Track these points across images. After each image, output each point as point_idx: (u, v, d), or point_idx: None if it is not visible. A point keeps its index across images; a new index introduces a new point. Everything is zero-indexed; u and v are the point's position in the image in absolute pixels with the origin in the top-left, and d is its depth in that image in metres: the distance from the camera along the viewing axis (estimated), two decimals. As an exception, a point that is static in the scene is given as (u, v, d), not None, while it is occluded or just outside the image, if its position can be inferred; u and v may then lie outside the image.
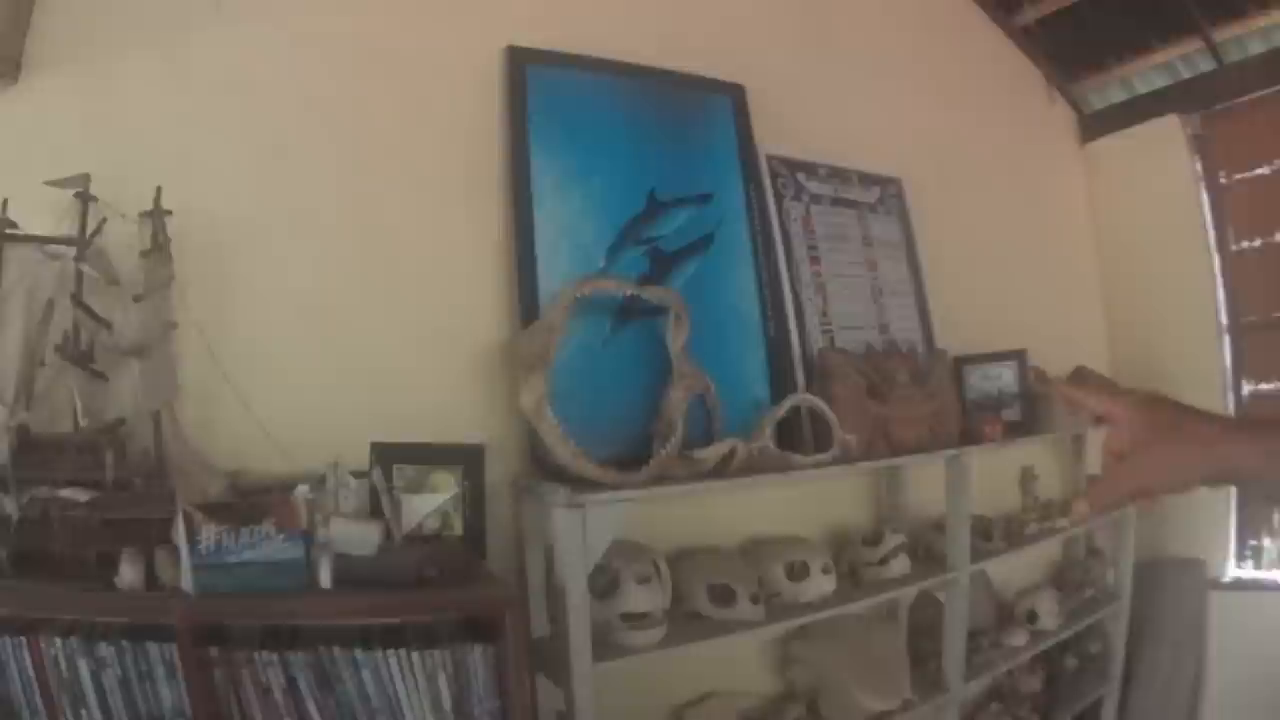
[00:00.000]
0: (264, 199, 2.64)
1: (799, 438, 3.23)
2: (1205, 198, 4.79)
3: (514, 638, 2.33)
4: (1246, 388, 4.76)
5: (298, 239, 2.68)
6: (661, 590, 2.82)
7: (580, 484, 2.60)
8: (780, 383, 3.32)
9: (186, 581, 2.10)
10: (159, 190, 2.42)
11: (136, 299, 2.40)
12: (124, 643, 2.11)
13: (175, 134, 2.54)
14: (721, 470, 2.87)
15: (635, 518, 2.86)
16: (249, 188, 2.62)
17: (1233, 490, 4.70)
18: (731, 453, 2.86)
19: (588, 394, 2.92)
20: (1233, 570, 4.82)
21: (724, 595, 2.93)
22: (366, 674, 2.26)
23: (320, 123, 2.75)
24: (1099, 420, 1.33)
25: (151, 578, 2.15)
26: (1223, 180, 4.77)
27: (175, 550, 2.13)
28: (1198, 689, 4.65)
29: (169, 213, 2.43)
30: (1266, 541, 4.74)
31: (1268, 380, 4.70)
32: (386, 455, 2.60)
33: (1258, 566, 4.78)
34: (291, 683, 2.22)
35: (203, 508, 2.19)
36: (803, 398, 3.19)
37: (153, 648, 2.12)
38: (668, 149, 3.29)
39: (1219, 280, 4.77)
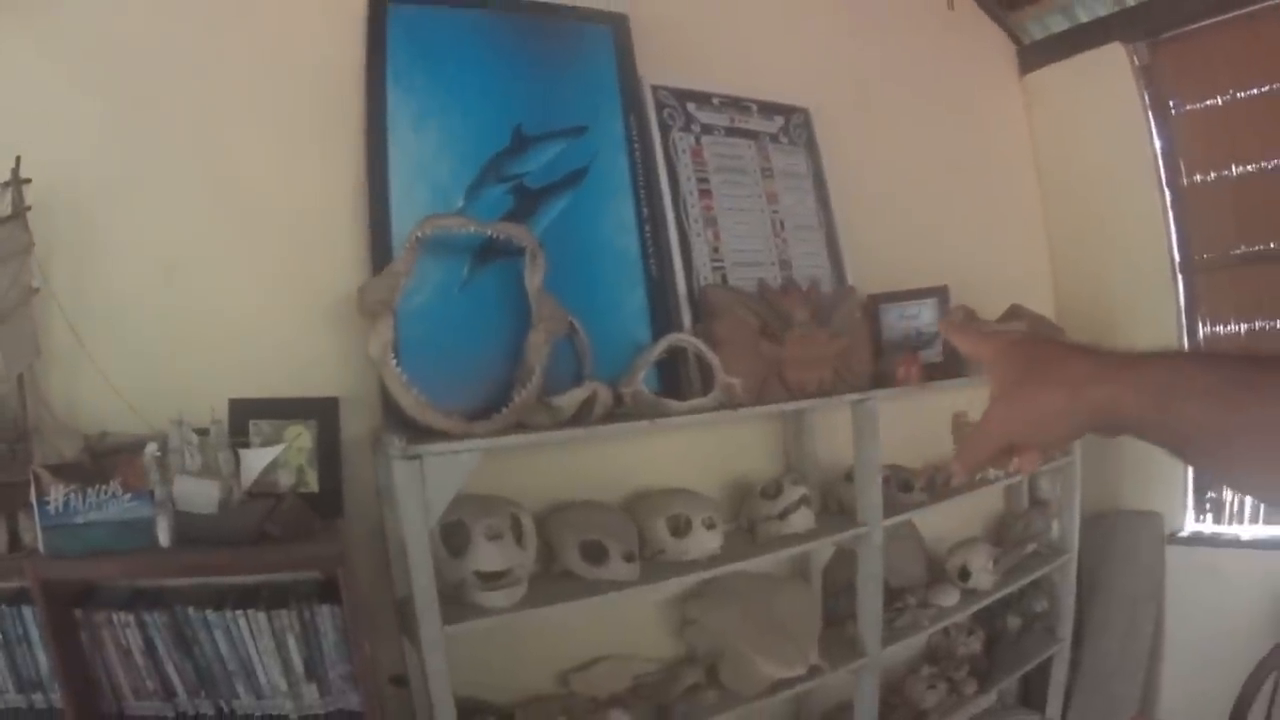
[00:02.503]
0: (123, 160, 2.54)
1: (685, 382, 3.05)
2: (1154, 130, 4.58)
3: (348, 597, 2.28)
4: (1203, 329, 4.56)
5: (157, 198, 2.58)
6: (520, 546, 2.64)
7: (430, 435, 2.46)
8: (662, 323, 3.11)
9: (39, 543, 2.13)
10: (18, 159, 2.33)
11: (-7, 265, 2.36)
12: (3, 606, 2.19)
13: (32, 99, 2.45)
14: (583, 417, 2.68)
15: (500, 471, 2.76)
16: (108, 150, 2.53)
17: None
18: (592, 398, 2.67)
19: (445, 341, 2.77)
20: (1191, 524, 4.63)
21: (596, 553, 2.76)
22: (219, 635, 2.31)
23: (179, 77, 2.62)
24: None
25: (16, 540, 2.20)
26: (1173, 111, 4.54)
27: (34, 513, 2.15)
28: (1155, 647, 4.49)
29: (27, 180, 2.34)
30: (1227, 494, 4.54)
31: (1226, 321, 4.51)
32: (242, 411, 2.53)
33: (1217, 521, 4.59)
34: (150, 644, 2.28)
35: (53, 469, 2.18)
36: (679, 338, 2.98)
37: (26, 610, 2.20)
38: (539, 82, 3.10)
39: (1170, 216, 4.56)
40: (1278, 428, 0.85)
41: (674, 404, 2.85)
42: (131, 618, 2.26)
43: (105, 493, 2.14)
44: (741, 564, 3.05)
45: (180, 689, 2.32)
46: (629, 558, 2.75)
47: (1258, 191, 4.31)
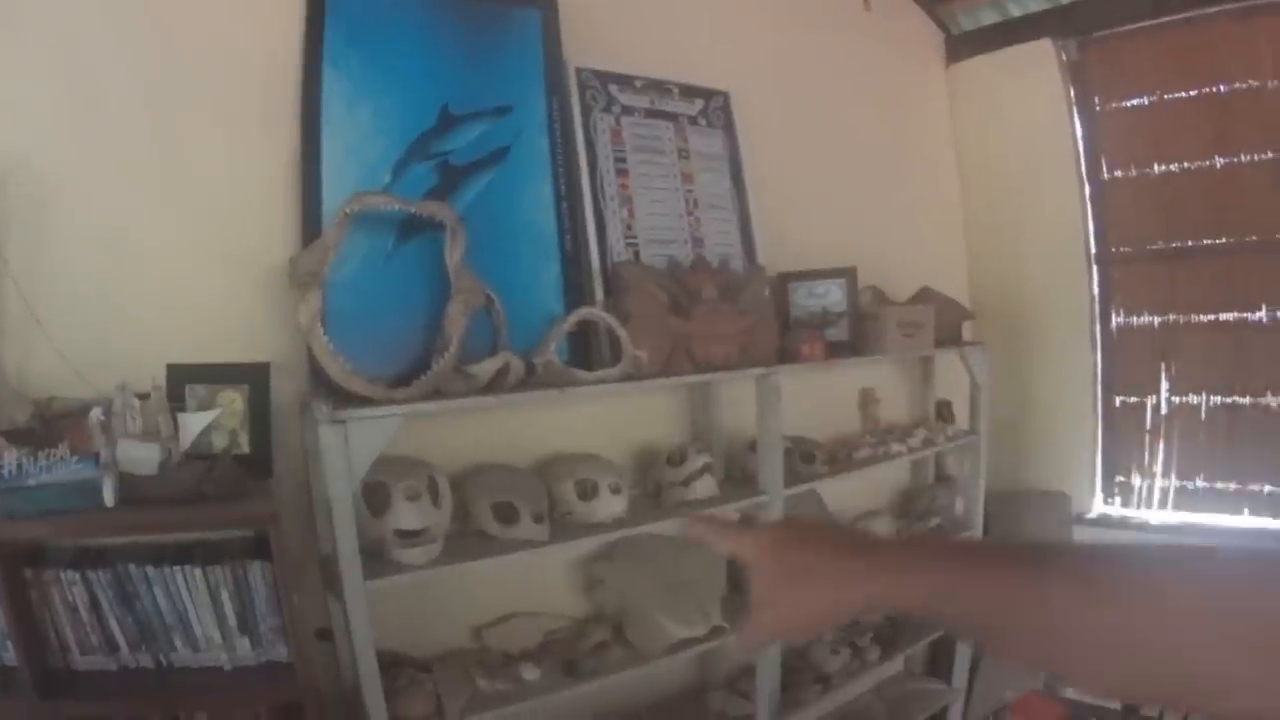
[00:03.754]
0: (73, 142, 2.64)
1: (596, 354, 3.23)
2: (1078, 125, 4.79)
3: (278, 553, 2.42)
4: (1115, 319, 4.78)
5: (104, 177, 2.69)
6: (436, 507, 2.81)
7: (354, 400, 2.62)
8: (576, 297, 3.28)
9: None
10: None
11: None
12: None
13: None
14: (497, 386, 2.86)
15: (421, 435, 2.95)
16: (59, 132, 2.63)
17: (1098, 424, 4.74)
18: (506, 367, 2.85)
19: (371, 311, 2.92)
20: (1100, 507, 4.85)
21: (507, 514, 2.93)
22: (158, 590, 2.44)
23: (127, 62, 2.73)
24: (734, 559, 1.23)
25: None
26: (1098, 108, 4.75)
27: (-10, 478, 2.23)
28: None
29: None
30: (1136, 479, 4.77)
31: (1138, 313, 4.73)
32: (179, 376, 2.66)
33: (1125, 504, 4.81)
34: (95, 600, 2.40)
35: (6, 434, 2.28)
36: (590, 312, 3.16)
37: None
38: (467, 64, 3.24)
39: (1089, 209, 4.77)
40: (1034, 633, 0.90)
41: (583, 374, 3.04)
42: (78, 575, 2.39)
43: (54, 456, 2.27)
44: (646, 527, 3.24)
45: (123, 643, 2.46)
46: (538, 519, 2.93)
47: (1177, 190, 4.52)
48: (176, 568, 2.47)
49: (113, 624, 2.45)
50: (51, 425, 2.38)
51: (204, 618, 2.51)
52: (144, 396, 2.53)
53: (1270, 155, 4.22)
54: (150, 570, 2.45)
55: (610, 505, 3.10)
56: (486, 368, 2.83)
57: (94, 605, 2.43)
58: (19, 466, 2.23)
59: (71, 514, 2.29)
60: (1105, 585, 0.86)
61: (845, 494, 4.25)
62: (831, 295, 3.93)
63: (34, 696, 2.29)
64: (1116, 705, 2.75)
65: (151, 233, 2.75)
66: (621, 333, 3.13)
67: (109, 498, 2.32)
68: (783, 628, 1.18)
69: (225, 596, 2.51)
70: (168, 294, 2.75)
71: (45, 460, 2.25)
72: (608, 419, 3.52)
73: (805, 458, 3.70)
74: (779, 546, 1.13)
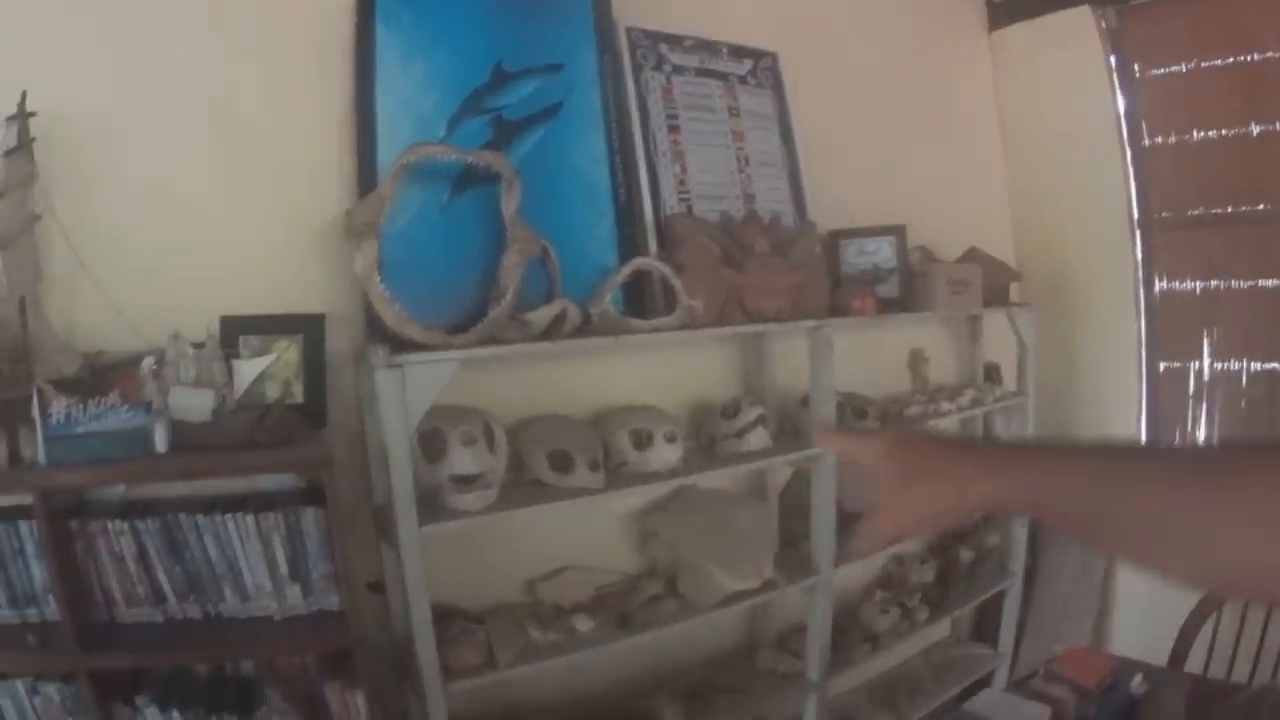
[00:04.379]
0: (124, 94, 2.67)
1: (650, 305, 3.28)
2: (1118, 92, 4.76)
3: (332, 498, 2.45)
4: (1159, 285, 4.77)
5: (156, 129, 2.72)
6: (492, 453, 2.85)
7: (411, 347, 2.66)
8: (630, 250, 3.32)
9: (40, 454, 2.24)
10: (24, 94, 2.44)
11: (0, 195, 2.45)
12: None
13: (36, 38, 2.57)
14: (553, 333, 2.90)
15: (476, 385, 2.97)
16: (110, 84, 2.65)
17: (1142, 389, 4.74)
18: (562, 314, 2.89)
19: (426, 263, 2.96)
20: (1146, 469, 4.85)
21: (563, 462, 2.96)
22: (209, 538, 2.47)
23: (179, 15, 2.76)
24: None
25: (16, 456, 2.30)
26: (1138, 75, 4.74)
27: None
28: (1106, 589, 4.78)
29: (33, 114, 2.46)
30: (1179, 444, 4.76)
31: (1181, 279, 4.71)
32: (233, 328, 2.70)
33: (1173, 467, 4.80)
34: (143, 550, 2.42)
35: (55, 383, 2.28)
36: (645, 262, 3.20)
37: (23, 526, 2.35)
38: (519, 21, 3.28)
39: (1131, 175, 4.76)
40: (1137, 522, 0.95)
41: (638, 323, 3.08)
42: (125, 525, 2.43)
43: (105, 404, 2.30)
44: (700, 476, 3.29)
45: (170, 594, 2.50)
46: (594, 467, 2.97)
47: (1217, 157, 4.49)
48: (228, 515, 2.51)
49: (160, 574, 2.49)
50: (102, 376, 2.39)
51: (255, 565, 2.55)
52: (198, 346, 2.58)
53: None
54: (201, 519, 2.49)
55: (665, 454, 3.13)
56: (543, 314, 2.87)
57: (141, 555, 2.46)
58: (67, 415, 2.26)
59: (122, 460, 2.33)
60: (1194, 480, 0.91)
61: (895, 450, 4.24)
62: (882, 253, 3.96)
63: (76, 650, 2.32)
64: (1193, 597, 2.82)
65: (203, 186, 2.78)
66: (676, 282, 3.16)
67: (161, 443, 2.37)
68: (902, 525, 1.24)
69: (277, 543, 2.55)
70: (220, 247, 2.79)
71: (95, 409, 2.29)
72: (662, 372, 3.55)
73: (857, 413, 3.72)
74: (897, 450, 1.20)
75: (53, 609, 2.37)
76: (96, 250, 2.58)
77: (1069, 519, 1.06)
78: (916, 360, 4.40)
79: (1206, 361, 4.65)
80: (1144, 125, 4.71)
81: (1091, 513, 1.01)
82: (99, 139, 2.62)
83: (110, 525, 2.43)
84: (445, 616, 2.88)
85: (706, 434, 3.49)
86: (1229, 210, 4.50)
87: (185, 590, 2.51)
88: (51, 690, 2.39)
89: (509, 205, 2.95)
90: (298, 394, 2.76)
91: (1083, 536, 1.10)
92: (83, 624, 2.37)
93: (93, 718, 2.39)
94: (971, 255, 4.32)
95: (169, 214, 2.72)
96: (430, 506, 2.70)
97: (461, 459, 2.76)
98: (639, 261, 3.20)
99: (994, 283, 4.35)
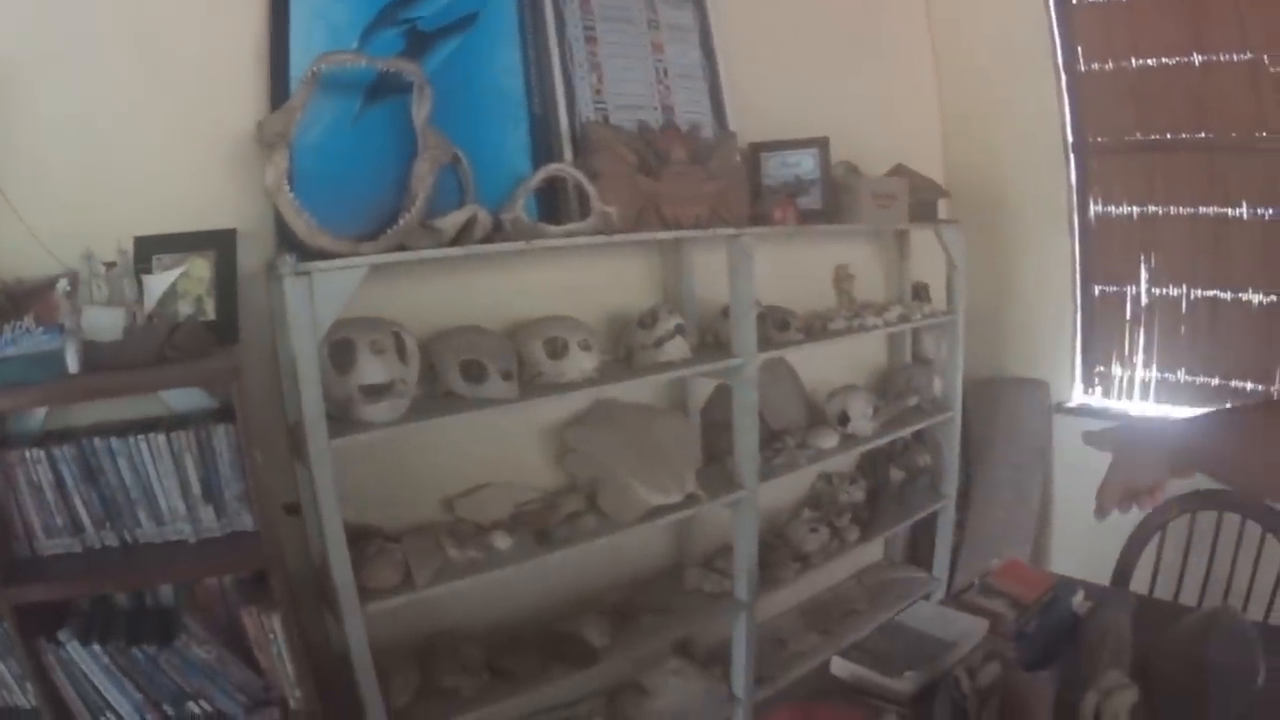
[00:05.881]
0: (44, 22, 2.64)
1: (565, 212, 3.30)
2: (1054, 16, 4.77)
3: (241, 411, 2.45)
4: (1094, 208, 4.81)
5: (75, 55, 2.69)
6: (403, 363, 2.84)
7: (321, 257, 2.66)
8: (545, 159, 3.33)
9: None
10: None
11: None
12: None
13: None
14: (464, 239, 2.90)
15: (388, 297, 2.97)
16: (23, 13, 2.62)
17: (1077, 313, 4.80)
18: (473, 220, 2.90)
19: (339, 174, 2.96)
20: (1079, 396, 4.91)
21: (476, 372, 2.97)
22: (123, 462, 2.49)
23: None
24: None
25: None
26: (1074, 1, 4.75)
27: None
28: (1044, 511, 4.84)
29: None
30: (1117, 370, 4.82)
31: (1117, 203, 4.75)
32: (147, 247, 2.70)
33: (1106, 395, 4.87)
34: (60, 479, 2.45)
35: None
36: (558, 167, 3.21)
37: None
38: (437, -72, 3.26)
39: (1065, 100, 4.79)
40: (1245, 471, 1.53)
41: (551, 228, 3.09)
42: (42, 453, 2.43)
43: (20, 329, 2.30)
44: (617, 387, 3.29)
45: (88, 522, 2.52)
46: (507, 376, 2.98)
47: (1156, 85, 4.51)
48: (140, 436, 2.52)
49: (78, 502, 2.50)
50: (19, 302, 2.39)
51: (169, 488, 2.57)
52: (111, 266, 2.56)
53: (1248, 56, 4.24)
54: (115, 442, 2.50)
55: (580, 363, 3.15)
56: (453, 220, 2.87)
57: (59, 484, 2.47)
58: (-16, 341, 2.25)
59: (36, 384, 2.32)
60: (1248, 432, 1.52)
61: (820, 366, 4.33)
62: (804, 165, 3.98)
63: (-2, 584, 2.32)
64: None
65: (120, 108, 2.75)
66: (590, 188, 3.18)
67: (73, 364, 2.36)
68: (1128, 480, 1.72)
69: (189, 463, 2.57)
70: (138, 168, 2.76)
71: (10, 334, 2.29)
72: (578, 283, 3.54)
73: (779, 325, 3.74)
74: (1126, 425, 1.94)
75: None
76: (13, 178, 2.56)
77: (1229, 479, 1.66)
78: (842, 276, 4.43)
79: (1144, 286, 4.69)
80: (1079, 50, 4.73)
81: (1223, 468, 1.59)
82: (13, 66, 2.59)
83: (28, 454, 2.43)
84: (363, 537, 2.89)
85: (625, 346, 3.50)
86: (1169, 137, 4.53)
87: (102, 518, 2.53)
88: (-25, 629, 2.40)
89: (420, 113, 2.96)
90: (209, 311, 2.75)
91: (1248, 490, 1.99)
92: (4, 558, 2.39)
93: (18, 655, 2.40)
94: (899, 171, 4.35)
95: (88, 137, 2.69)
96: (342, 421, 2.71)
97: (371, 368, 2.75)
98: (552, 167, 3.20)
99: (921, 199, 4.39)
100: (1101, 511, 1.76)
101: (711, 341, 3.72)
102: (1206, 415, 1.63)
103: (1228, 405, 2.74)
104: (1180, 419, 1.65)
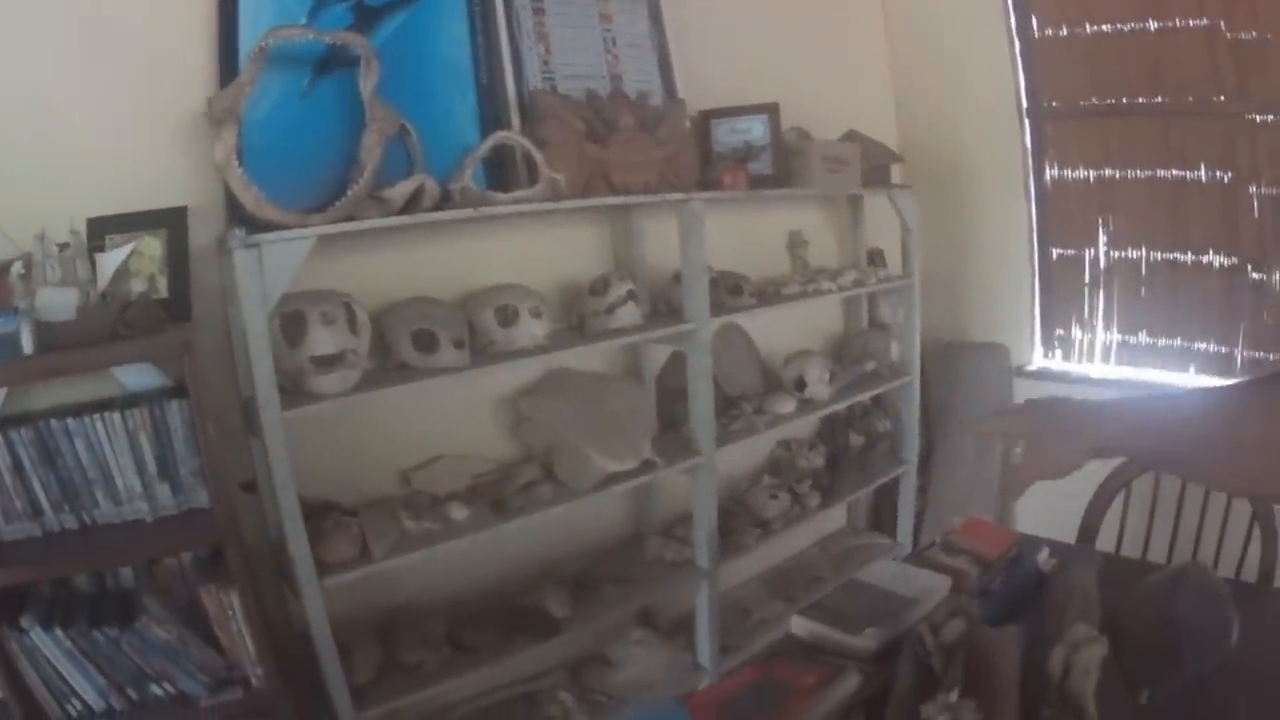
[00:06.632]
0: None
1: (513, 180, 3.32)
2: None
3: (194, 386, 2.50)
4: (1049, 172, 4.86)
5: (19, 39, 2.70)
6: (353, 334, 2.87)
7: (270, 230, 2.69)
8: (492, 128, 3.35)
9: None
10: None
11: None
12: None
13: None
14: (412, 208, 2.92)
15: (339, 268, 3.00)
16: None
17: (1035, 276, 4.84)
18: (420, 189, 2.92)
19: (289, 147, 2.99)
20: (1039, 360, 4.97)
21: (427, 341, 3.00)
22: (79, 442, 2.51)
23: None
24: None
25: None
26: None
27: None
28: (1006, 474, 4.79)
29: None
30: (1076, 333, 4.87)
31: (1073, 167, 4.79)
32: (99, 228, 2.72)
33: (1066, 358, 4.92)
34: (17, 463, 2.46)
35: None
36: (506, 135, 3.24)
37: None
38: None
39: (1019, 65, 4.83)
40: (1168, 457, 1.52)
41: (499, 195, 3.11)
42: (1, 438, 2.46)
43: None
44: (570, 354, 3.33)
45: (46, 505, 2.53)
46: (458, 345, 3.01)
47: (1112, 50, 4.56)
48: (95, 416, 2.54)
49: (36, 485, 2.51)
50: None
51: (124, 466, 2.59)
52: (64, 246, 2.57)
53: (1205, 22, 4.28)
54: (71, 422, 2.52)
55: (531, 330, 3.18)
56: (400, 190, 2.90)
57: (17, 468, 2.48)
58: (-62, 329, 2.26)
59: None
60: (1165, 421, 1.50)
61: (775, 333, 4.38)
62: (754, 130, 4.01)
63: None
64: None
65: (69, 89, 2.76)
66: (538, 156, 3.21)
67: (27, 345, 2.38)
68: (1040, 472, 1.66)
69: (144, 441, 2.59)
70: (89, 149, 2.78)
71: (-36, 319, 2.30)
72: (529, 252, 3.57)
73: (732, 290, 3.77)
74: (1038, 408, 1.74)
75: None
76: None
77: (1153, 461, 1.77)
78: (795, 242, 4.47)
79: (1103, 249, 4.75)
80: (1034, 16, 4.76)
81: (1149, 454, 1.61)
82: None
83: (-16, 440, 2.46)
84: (319, 512, 2.92)
85: (577, 313, 3.53)
86: (1124, 101, 4.57)
87: (60, 500, 2.54)
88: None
89: (367, 85, 2.98)
90: (162, 288, 2.78)
91: (1167, 470, 1.90)
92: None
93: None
94: (851, 137, 4.38)
95: (35, 119, 2.70)
96: (295, 393, 2.74)
97: (321, 339, 2.77)
98: (500, 135, 3.23)
99: (874, 164, 4.42)
100: (1006, 500, 1.78)
101: (664, 309, 3.76)
102: (1150, 400, 1.67)
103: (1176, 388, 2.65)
104: (1107, 402, 1.59)
